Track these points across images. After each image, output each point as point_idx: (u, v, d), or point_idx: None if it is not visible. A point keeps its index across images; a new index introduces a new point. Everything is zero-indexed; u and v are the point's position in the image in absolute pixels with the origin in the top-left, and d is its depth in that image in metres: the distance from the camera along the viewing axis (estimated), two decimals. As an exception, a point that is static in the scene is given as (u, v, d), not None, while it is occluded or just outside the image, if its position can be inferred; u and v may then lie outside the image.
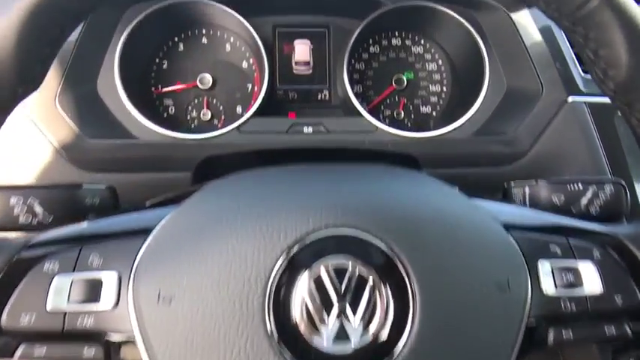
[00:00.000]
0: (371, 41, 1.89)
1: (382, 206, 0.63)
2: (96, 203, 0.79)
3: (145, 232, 0.65)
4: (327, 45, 1.87)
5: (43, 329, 0.60)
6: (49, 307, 0.60)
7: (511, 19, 1.63)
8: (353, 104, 1.68)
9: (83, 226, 0.69)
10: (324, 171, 0.73)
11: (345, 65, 1.72)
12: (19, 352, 0.61)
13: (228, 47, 1.84)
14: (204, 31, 1.83)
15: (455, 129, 1.65)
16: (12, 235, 0.73)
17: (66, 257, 0.63)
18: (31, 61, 0.57)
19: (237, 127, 1.62)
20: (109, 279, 0.61)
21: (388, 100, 1.89)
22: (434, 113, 1.89)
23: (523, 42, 1.61)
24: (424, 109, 1.89)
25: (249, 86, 1.85)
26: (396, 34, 1.90)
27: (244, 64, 1.84)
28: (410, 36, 1.90)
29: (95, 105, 1.57)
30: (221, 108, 1.84)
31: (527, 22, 1.63)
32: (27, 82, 0.58)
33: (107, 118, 1.58)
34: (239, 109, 1.84)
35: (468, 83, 1.80)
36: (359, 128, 1.64)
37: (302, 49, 1.88)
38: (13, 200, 0.75)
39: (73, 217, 0.75)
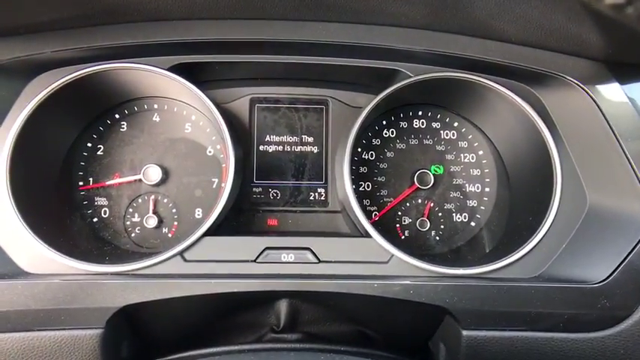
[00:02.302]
0: (385, 122, 1.37)
1: None
2: None
3: None
4: (324, 125, 1.36)
5: None
6: None
7: (592, 98, 1.09)
8: (355, 214, 1.14)
9: None
10: None
11: (347, 154, 1.19)
12: None
13: (187, 127, 1.34)
14: (155, 106, 1.34)
15: (507, 266, 1.08)
16: None
17: None
18: None
19: (181, 253, 1.09)
20: None
21: (408, 204, 1.35)
22: (472, 223, 1.34)
23: (614, 133, 1.05)
24: (458, 218, 1.35)
25: (215, 181, 1.33)
26: (420, 113, 1.37)
27: (209, 151, 1.33)
28: (439, 117, 1.37)
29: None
30: (174, 211, 1.31)
31: (619, 104, 1.08)
32: None
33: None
34: (198, 213, 1.32)
35: (525, 190, 1.24)
36: (364, 257, 1.10)
37: (288, 131, 1.37)
38: None
39: None
